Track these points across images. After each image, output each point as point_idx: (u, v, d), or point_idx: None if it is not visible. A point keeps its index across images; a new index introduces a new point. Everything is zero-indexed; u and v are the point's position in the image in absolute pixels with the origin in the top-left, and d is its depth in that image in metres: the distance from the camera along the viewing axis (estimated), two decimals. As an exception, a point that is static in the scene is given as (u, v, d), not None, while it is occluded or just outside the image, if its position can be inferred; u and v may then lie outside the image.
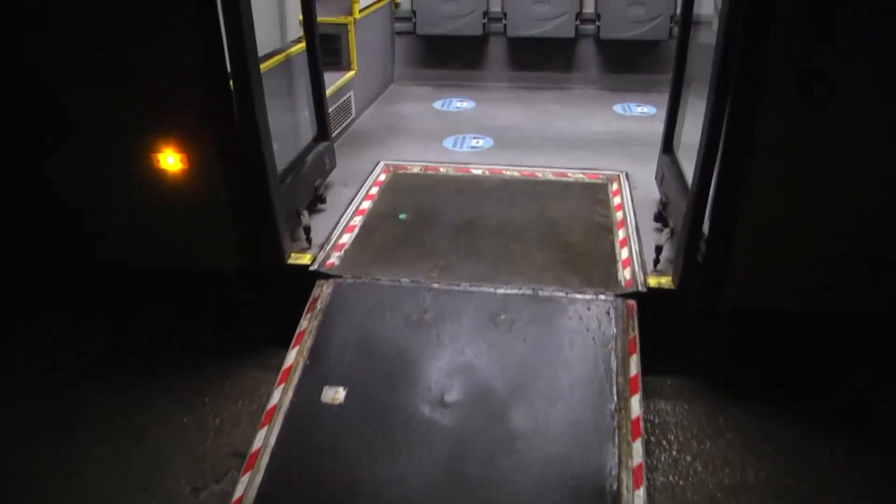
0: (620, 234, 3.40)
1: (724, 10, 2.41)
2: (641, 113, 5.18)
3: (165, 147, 2.80)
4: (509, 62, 5.93)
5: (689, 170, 2.89)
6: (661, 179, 3.58)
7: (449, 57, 5.96)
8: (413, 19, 5.70)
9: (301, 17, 3.62)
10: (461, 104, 5.43)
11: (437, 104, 5.44)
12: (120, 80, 2.69)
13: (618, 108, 5.31)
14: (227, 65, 2.65)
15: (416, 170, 4.19)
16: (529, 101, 5.48)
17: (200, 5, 2.53)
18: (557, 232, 3.46)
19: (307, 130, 3.80)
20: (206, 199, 2.88)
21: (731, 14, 2.38)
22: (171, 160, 2.81)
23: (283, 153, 3.21)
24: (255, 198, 2.92)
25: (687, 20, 3.39)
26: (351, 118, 4.94)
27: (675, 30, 5.20)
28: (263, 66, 2.91)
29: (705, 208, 2.69)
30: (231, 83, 2.70)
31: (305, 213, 3.40)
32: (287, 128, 3.53)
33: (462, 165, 4.22)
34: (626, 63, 5.79)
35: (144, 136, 2.79)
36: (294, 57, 3.59)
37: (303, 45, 3.66)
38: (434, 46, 5.94)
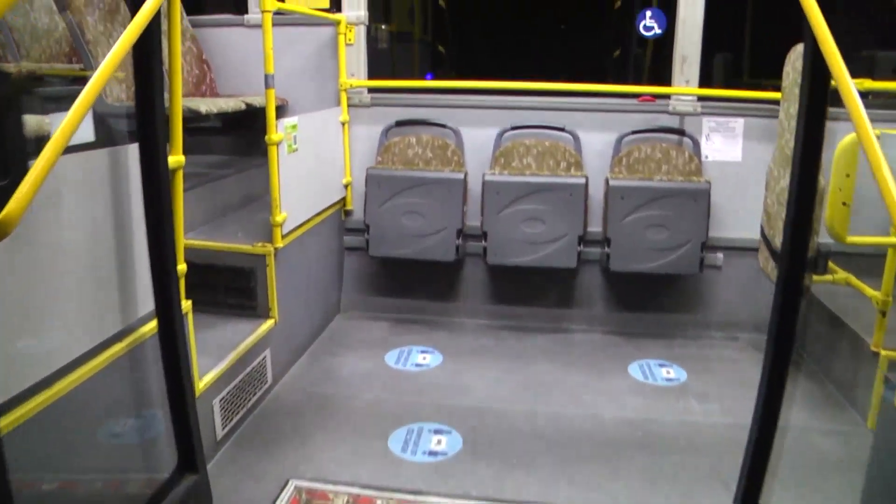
0: None
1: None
2: (668, 381, 3.75)
3: None
4: (490, 294, 4.56)
5: None
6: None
7: (413, 283, 4.59)
8: (366, 235, 4.35)
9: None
10: (424, 359, 3.98)
11: (392, 358, 3.99)
12: None
13: (635, 369, 3.88)
14: None
15: (340, 502, 2.69)
16: (515, 356, 4.05)
17: None
18: None
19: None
20: None
21: None
22: None
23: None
24: None
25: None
26: (265, 387, 3.48)
27: (707, 260, 4.09)
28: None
29: None
30: None
31: None
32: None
33: (411, 499, 2.71)
34: (642, 299, 4.44)
35: None
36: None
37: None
38: (393, 269, 4.59)
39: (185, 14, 4.44)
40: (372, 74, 4.56)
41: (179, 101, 2.54)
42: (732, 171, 4.27)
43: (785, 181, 3.30)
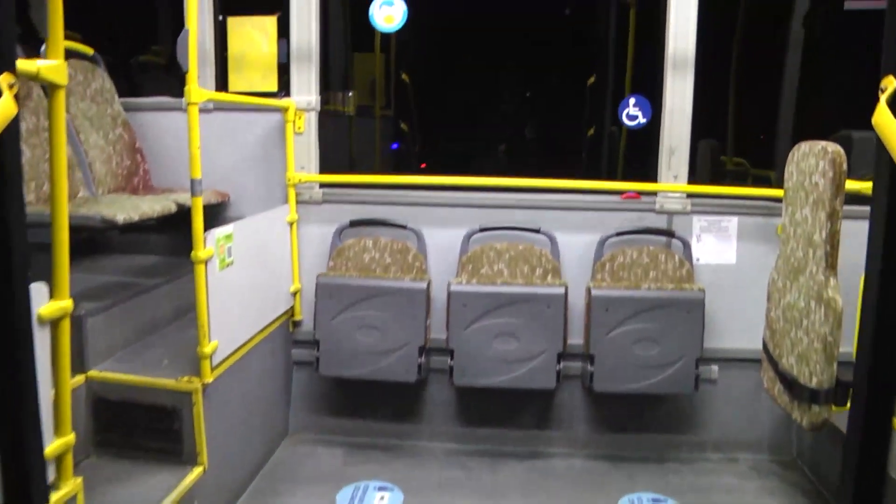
0: None
1: None
2: (669, 528, 3.23)
3: None
4: (458, 416, 4.01)
5: None
6: None
7: (371, 402, 4.03)
8: (316, 352, 3.80)
9: None
10: (381, 500, 3.41)
11: (345, 498, 3.41)
12: None
13: (626, 507, 3.36)
14: None
15: None
16: (487, 492, 3.50)
17: None
18: None
19: None
20: None
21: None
22: None
23: None
24: None
25: None
26: (188, 553, 2.88)
27: (702, 373, 3.66)
28: None
29: None
30: None
31: None
32: None
33: None
34: (629, 419, 3.93)
35: None
36: None
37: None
38: (349, 387, 4.03)
39: (116, 97, 3.96)
40: (326, 157, 4.08)
41: (64, 219, 2.01)
42: (727, 275, 3.84)
43: (792, 295, 2.89)
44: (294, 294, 3.98)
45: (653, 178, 3.89)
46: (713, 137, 5.69)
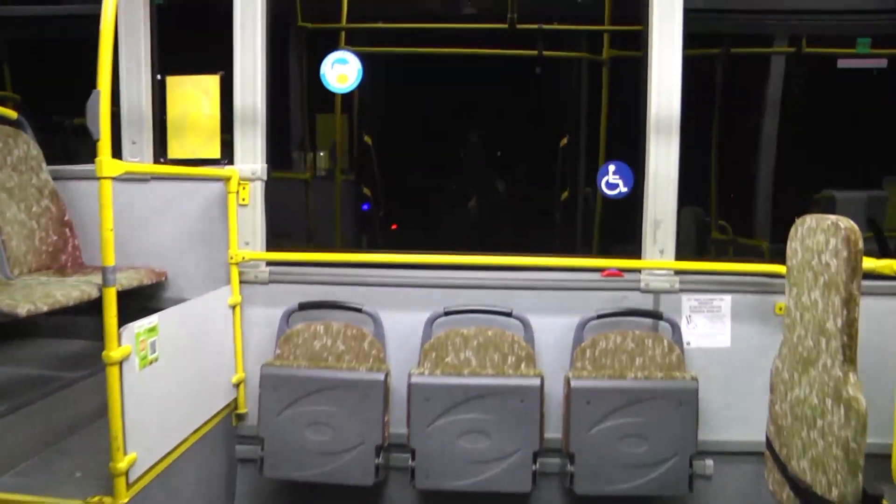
0: None
1: None
2: None
3: None
4: (422, 522, 3.55)
5: None
6: None
7: (324, 506, 3.57)
8: (261, 451, 3.34)
9: None
10: None
11: None
12: None
13: None
14: None
15: None
16: None
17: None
18: None
19: None
20: None
21: None
22: None
23: None
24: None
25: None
26: None
27: (695, 469, 3.24)
28: None
29: None
30: None
31: None
32: None
33: None
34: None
35: None
36: None
37: None
38: (298, 492, 3.56)
39: (43, 166, 3.55)
40: (283, 225, 3.66)
41: None
42: (721, 359, 3.47)
43: (802, 389, 2.54)
44: (237, 385, 3.53)
45: (632, 243, 3.53)
46: (696, 204, 5.41)
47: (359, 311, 3.45)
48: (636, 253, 3.48)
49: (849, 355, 2.35)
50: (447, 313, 3.41)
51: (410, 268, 3.52)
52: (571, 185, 6.31)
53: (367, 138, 6.36)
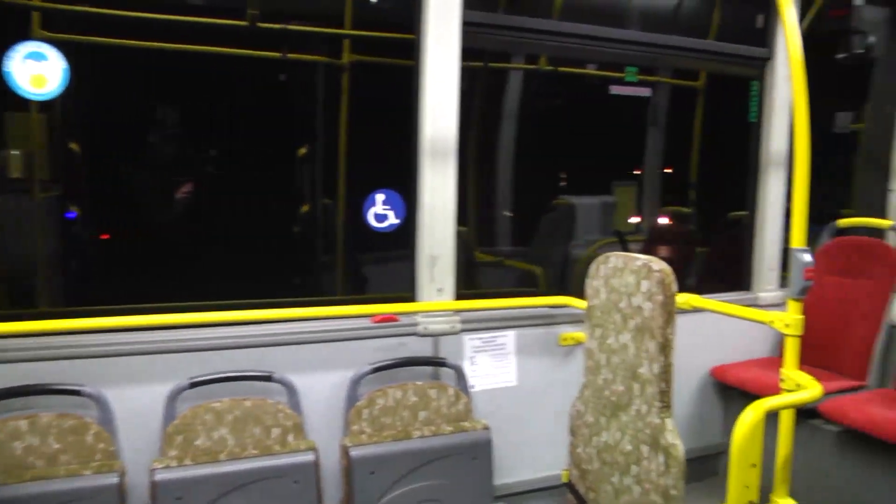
0: None
1: None
2: None
3: None
4: None
5: None
6: None
7: None
8: None
9: None
10: None
11: None
12: None
13: None
14: None
15: None
16: None
17: None
18: None
19: None
20: None
21: None
22: None
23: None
24: None
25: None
26: None
27: None
28: None
29: None
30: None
31: None
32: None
33: None
34: None
35: None
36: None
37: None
38: None
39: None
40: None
41: None
42: (508, 398, 3.22)
43: (612, 435, 2.42)
44: None
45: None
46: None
47: (76, 393, 2.63)
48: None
49: (666, 402, 2.22)
50: (193, 385, 2.74)
51: (141, 330, 2.77)
52: (312, 198, 5.82)
53: (73, 145, 5.26)
